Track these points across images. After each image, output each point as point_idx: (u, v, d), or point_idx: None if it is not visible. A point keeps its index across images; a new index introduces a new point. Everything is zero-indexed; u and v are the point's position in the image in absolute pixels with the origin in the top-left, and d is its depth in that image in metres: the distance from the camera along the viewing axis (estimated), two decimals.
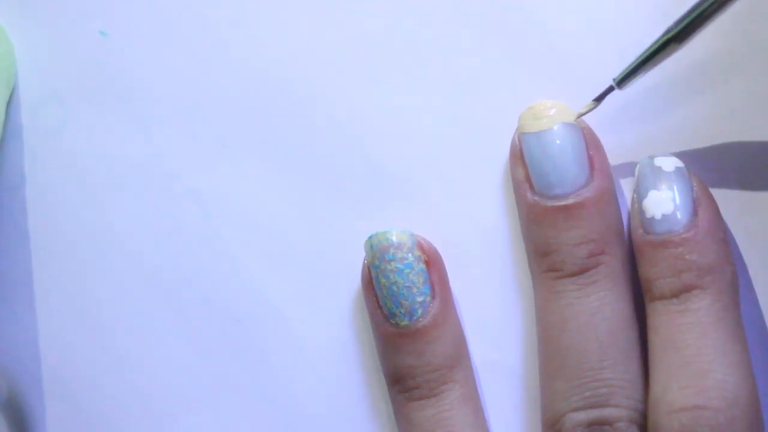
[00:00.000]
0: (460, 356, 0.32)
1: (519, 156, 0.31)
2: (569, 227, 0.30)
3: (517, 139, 0.32)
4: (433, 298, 0.32)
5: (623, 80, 0.30)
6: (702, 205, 0.30)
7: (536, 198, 0.31)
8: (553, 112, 0.31)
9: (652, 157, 0.31)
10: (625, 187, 0.32)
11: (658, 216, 0.30)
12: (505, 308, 0.33)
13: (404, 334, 0.31)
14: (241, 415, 0.35)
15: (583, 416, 0.29)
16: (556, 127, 0.31)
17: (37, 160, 0.35)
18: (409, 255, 0.32)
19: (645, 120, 0.32)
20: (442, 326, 0.32)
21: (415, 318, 0.32)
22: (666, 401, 0.28)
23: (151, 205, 0.35)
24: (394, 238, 0.32)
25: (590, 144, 0.31)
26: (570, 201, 0.30)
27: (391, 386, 0.32)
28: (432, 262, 0.32)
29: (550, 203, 0.31)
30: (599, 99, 0.31)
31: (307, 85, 0.34)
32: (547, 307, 0.31)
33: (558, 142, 0.31)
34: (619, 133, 0.32)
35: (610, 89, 0.31)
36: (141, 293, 0.35)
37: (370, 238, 0.32)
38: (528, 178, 0.31)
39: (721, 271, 0.30)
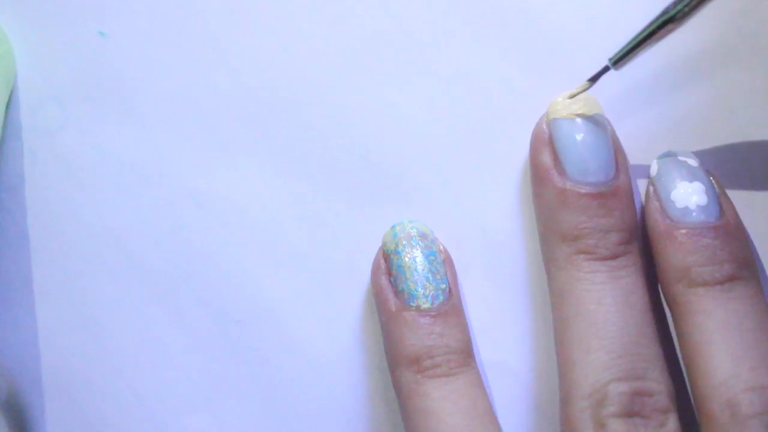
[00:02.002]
0: (471, 350, 0.32)
1: (547, 142, 0.32)
2: (603, 214, 0.31)
3: (545, 125, 0.32)
4: (450, 291, 0.32)
5: (619, 60, 0.30)
6: (725, 201, 0.31)
7: (569, 183, 0.31)
8: (585, 102, 0.32)
9: (673, 153, 0.32)
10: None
11: (692, 206, 0.31)
12: (505, 309, 0.33)
13: (426, 314, 0.32)
14: (241, 415, 0.35)
15: (626, 386, 0.30)
16: (591, 115, 0.31)
17: (37, 160, 0.35)
18: (432, 245, 0.32)
19: (641, 120, 0.32)
20: (460, 316, 0.32)
21: (438, 303, 0.32)
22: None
23: (150, 205, 0.35)
24: (419, 228, 0.33)
25: (612, 139, 0.32)
26: (605, 189, 0.31)
27: (406, 368, 0.32)
28: (446, 261, 0.33)
29: (584, 189, 0.31)
30: (594, 79, 0.31)
31: (307, 85, 0.34)
32: (578, 285, 0.31)
33: (596, 129, 0.31)
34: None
35: (606, 69, 0.31)
36: (141, 293, 0.35)
37: (394, 227, 0.33)
38: (557, 164, 0.31)
39: (753, 265, 0.30)
